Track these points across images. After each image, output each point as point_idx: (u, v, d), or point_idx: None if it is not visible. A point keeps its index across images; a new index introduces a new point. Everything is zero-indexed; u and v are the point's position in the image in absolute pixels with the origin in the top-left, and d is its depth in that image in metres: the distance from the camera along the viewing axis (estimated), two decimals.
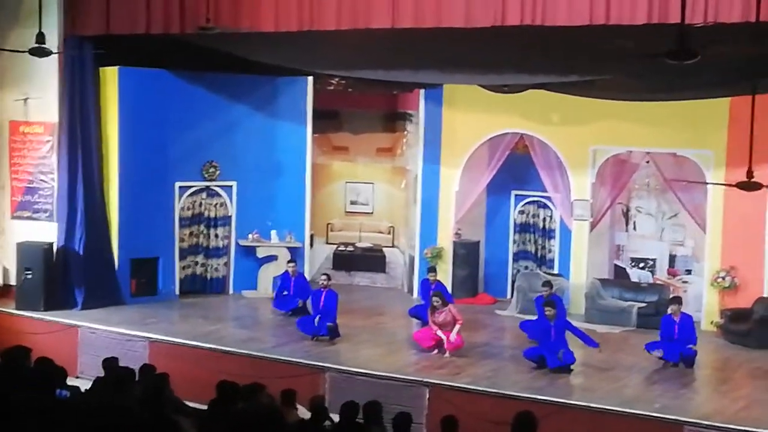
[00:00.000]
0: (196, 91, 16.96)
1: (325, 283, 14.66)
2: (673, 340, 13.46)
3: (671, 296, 14.87)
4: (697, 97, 14.56)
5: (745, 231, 15.39)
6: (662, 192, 17.35)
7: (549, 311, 13.25)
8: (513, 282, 17.81)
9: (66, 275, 15.93)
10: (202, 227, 17.45)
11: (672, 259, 17.41)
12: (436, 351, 13.73)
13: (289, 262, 16.54)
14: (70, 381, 9.68)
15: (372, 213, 19.55)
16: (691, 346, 13.42)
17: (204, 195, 17.34)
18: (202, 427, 8.00)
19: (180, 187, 17.03)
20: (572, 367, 13.05)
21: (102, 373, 10.14)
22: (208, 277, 17.62)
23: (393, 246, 19.36)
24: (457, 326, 13.71)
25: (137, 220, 16.44)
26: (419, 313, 15.13)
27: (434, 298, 13.91)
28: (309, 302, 15.37)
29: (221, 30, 13.09)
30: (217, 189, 17.43)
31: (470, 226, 18.14)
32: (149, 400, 8.46)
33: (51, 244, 15.89)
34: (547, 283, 14.98)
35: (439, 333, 13.68)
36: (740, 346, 14.75)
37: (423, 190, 17.91)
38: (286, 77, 17.44)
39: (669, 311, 13.81)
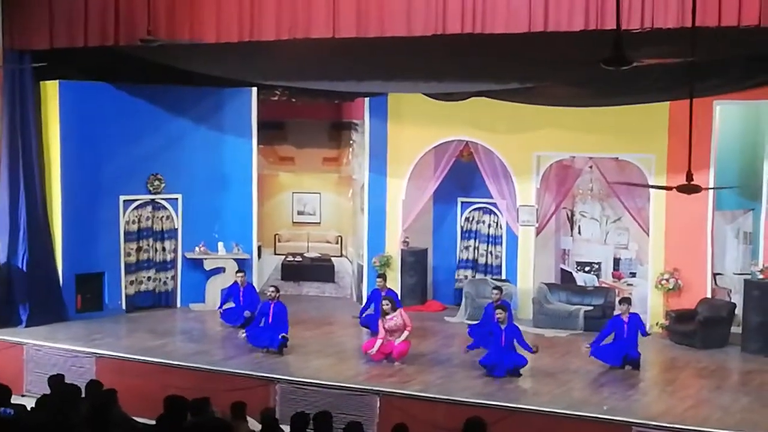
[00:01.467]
0: (139, 104, 16.83)
1: (273, 295, 14.58)
2: (623, 339, 13.60)
3: (621, 297, 15.01)
4: (636, 102, 14.77)
5: (687, 233, 15.61)
6: (606, 196, 17.56)
7: (500, 314, 13.32)
8: (459, 290, 17.89)
9: (9, 292, 15.68)
10: (150, 241, 17.28)
11: (616, 262, 17.61)
12: (384, 360, 13.73)
13: (237, 272, 16.48)
14: (17, 399, 9.55)
15: (319, 223, 19.51)
16: (640, 337, 13.63)
17: (149, 208, 17.18)
18: None
19: (124, 200, 16.88)
20: (521, 371, 13.14)
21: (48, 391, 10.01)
22: (157, 291, 17.46)
23: (341, 255, 19.34)
24: (406, 332, 13.73)
25: (82, 235, 16.27)
26: (369, 323, 15.13)
27: (384, 302, 13.93)
28: (256, 313, 15.25)
29: (162, 42, 12.99)
30: (163, 202, 17.30)
31: (418, 234, 18.20)
32: (96, 417, 8.36)
33: None
34: (497, 288, 15.06)
35: (378, 345, 13.67)
36: (686, 346, 14.95)
37: (370, 200, 17.93)
38: (230, 89, 17.39)
39: (618, 311, 13.97)
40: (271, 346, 14.19)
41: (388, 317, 13.74)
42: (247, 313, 15.67)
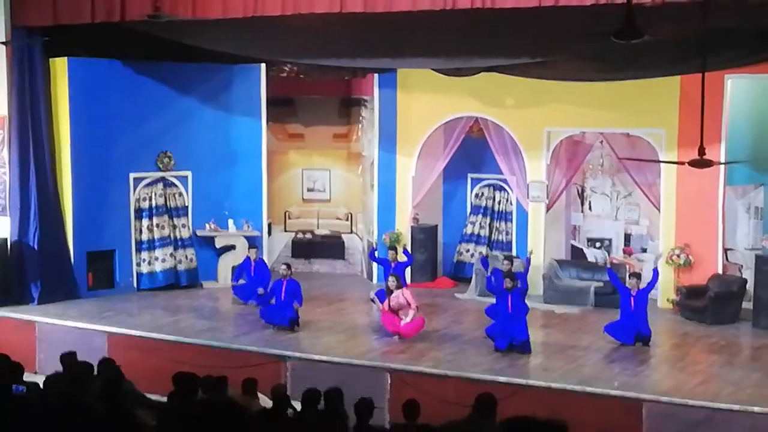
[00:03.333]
0: (148, 81, 16.79)
1: (285, 272, 14.58)
2: (632, 315, 13.57)
3: (630, 272, 14.97)
4: (647, 76, 14.68)
5: (698, 208, 15.56)
6: (616, 172, 17.50)
7: (508, 283, 13.26)
8: (460, 263, 17.96)
9: (21, 270, 15.72)
10: (166, 218, 17.22)
11: (627, 238, 17.57)
12: (397, 337, 13.74)
13: (250, 247, 16.49)
14: (29, 377, 9.57)
15: (329, 200, 19.49)
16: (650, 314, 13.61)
17: (160, 185, 17.16)
18: (162, 420, 7.94)
19: (134, 178, 16.87)
20: (529, 344, 13.12)
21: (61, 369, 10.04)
22: (178, 269, 17.28)
23: (351, 232, 19.33)
24: (411, 312, 13.69)
25: (92, 213, 16.30)
26: (381, 297, 15.12)
27: (390, 279, 13.93)
28: (268, 290, 15.26)
29: (169, 18, 12.92)
30: (173, 179, 17.29)
31: (428, 211, 18.19)
32: (108, 394, 8.38)
33: (4, 239, 15.68)
34: (509, 258, 14.95)
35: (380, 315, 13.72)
36: (696, 322, 14.92)
37: (380, 176, 17.92)
38: (239, 65, 17.31)
39: (627, 286, 13.95)
40: (282, 323, 14.21)
41: (392, 295, 13.72)
42: (260, 290, 15.66)
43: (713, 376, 12.36)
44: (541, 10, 12.29)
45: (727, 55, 13.24)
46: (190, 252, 17.36)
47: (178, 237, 17.33)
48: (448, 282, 17.89)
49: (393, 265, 15.14)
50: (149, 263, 17.04)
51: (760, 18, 12.26)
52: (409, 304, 13.72)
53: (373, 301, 14.80)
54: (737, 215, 16.36)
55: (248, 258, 16.31)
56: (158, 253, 17.09)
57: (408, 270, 16.55)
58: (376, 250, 16.82)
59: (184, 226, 17.40)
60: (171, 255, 17.18)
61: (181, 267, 17.30)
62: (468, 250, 18.32)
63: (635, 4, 10.51)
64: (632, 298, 13.64)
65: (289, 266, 14.89)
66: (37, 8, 15.19)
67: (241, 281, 16.32)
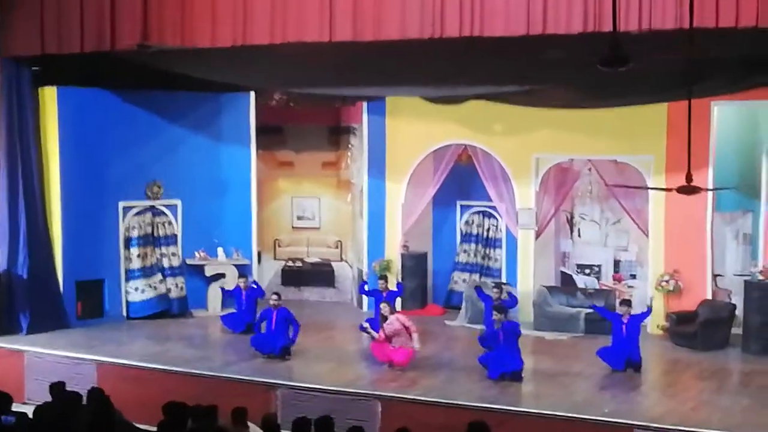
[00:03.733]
0: (137, 110, 16.84)
1: (276, 303, 14.56)
2: (623, 341, 13.58)
3: (621, 299, 14.96)
4: (634, 103, 14.78)
5: (687, 234, 15.60)
6: (605, 198, 17.57)
7: (497, 316, 13.29)
8: (451, 291, 18.00)
9: (10, 300, 15.64)
10: (151, 248, 17.23)
11: (617, 264, 17.62)
12: (388, 365, 13.72)
13: (239, 277, 16.46)
14: (18, 407, 9.52)
15: (319, 227, 19.50)
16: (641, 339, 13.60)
17: (149, 214, 17.17)
18: None
19: (124, 207, 16.88)
20: (522, 374, 13.12)
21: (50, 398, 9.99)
22: (170, 296, 17.27)
23: (341, 260, 19.32)
24: (415, 335, 13.65)
25: (81, 242, 16.27)
26: (372, 326, 15.12)
27: (383, 306, 13.95)
28: (257, 319, 15.23)
29: (158, 47, 12.97)
30: (162, 208, 17.29)
31: (417, 238, 18.18)
32: (97, 424, 8.35)
33: None
34: (497, 286, 14.97)
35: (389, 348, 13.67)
36: (686, 348, 14.92)
37: (369, 204, 17.93)
38: (228, 93, 17.39)
39: (619, 311, 13.97)
40: (273, 352, 14.18)
41: (386, 322, 13.73)
42: (247, 324, 15.66)
43: (703, 403, 12.34)
44: (528, 38, 12.37)
45: (712, 82, 13.35)
46: (180, 280, 17.34)
47: (167, 265, 17.31)
48: (438, 309, 17.89)
49: (384, 294, 15.14)
50: (142, 291, 17.00)
51: (745, 46, 12.38)
52: (407, 328, 13.69)
53: (364, 330, 14.77)
54: (726, 241, 16.42)
55: (238, 287, 16.30)
56: (147, 281, 17.05)
57: (398, 300, 16.50)
58: (366, 283, 16.76)
59: (173, 254, 17.38)
60: (160, 282, 17.16)
61: (171, 295, 17.28)
62: (464, 280, 18.25)
63: (621, 33, 10.63)
64: (624, 325, 13.66)
65: (279, 296, 14.84)
66: (25, 38, 15.16)
67: (229, 310, 16.27)
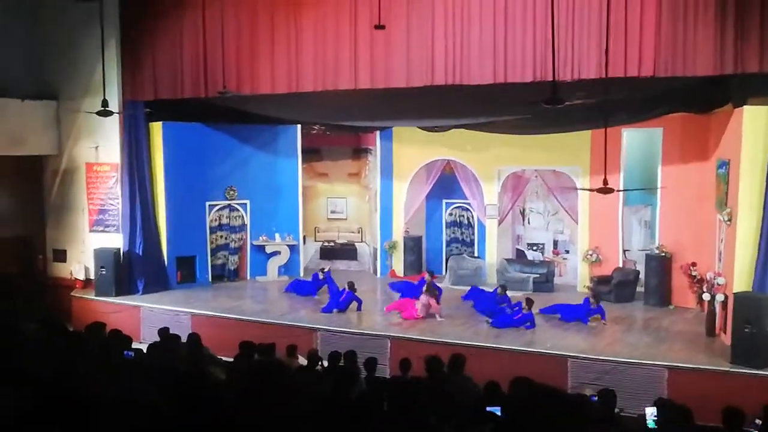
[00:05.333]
0: (219, 137, 16.83)
1: (323, 271, 15.17)
2: (582, 315, 13.33)
3: (594, 294, 14.10)
4: (567, 130, 14.68)
5: (604, 222, 15.55)
6: (547, 197, 17.49)
7: (526, 306, 13.04)
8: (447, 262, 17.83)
9: (130, 270, 15.69)
10: (226, 233, 17.25)
11: (555, 243, 17.56)
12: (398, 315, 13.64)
13: (321, 268, 15.97)
14: (137, 345, 9.56)
15: (346, 219, 19.46)
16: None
17: (227, 210, 17.19)
18: (229, 374, 7.94)
19: (209, 205, 16.86)
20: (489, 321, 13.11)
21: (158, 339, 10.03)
22: (230, 268, 17.36)
23: (362, 241, 19.31)
24: (437, 313, 13.45)
25: (180, 229, 16.26)
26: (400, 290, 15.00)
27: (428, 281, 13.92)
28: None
29: (234, 94, 12.99)
30: (236, 205, 17.28)
31: (415, 225, 18.16)
32: (192, 356, 8.37)
33: (119, 249, 15.67)
34: (503, 287, 14.34)
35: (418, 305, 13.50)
36: (605, 301, 14.84)
37: (381, 202, 17.88)
38: (282, 125, 17.37)
39: (589, 297, 13.59)
40: (340, 308, 14.04)
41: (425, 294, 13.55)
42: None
43: (617, 340, 12.35)
44: (494, 85, 12.35)
45: (622, 115, 13.26)
46: (236, 258, 17.27)
47: (233, 246, 17.30)
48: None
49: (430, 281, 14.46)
50: (217, 260, 17.03)
51: (646, 90, 12.31)
52: (432, 306, 13.47)
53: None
54: (632, 226, 16.34)
55: (316, 273, 15.69)
56: (220, 254, 17.11)
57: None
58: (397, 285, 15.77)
59: (240, 239, 17.34)
60: (225, 257, 17.19)
61: (230, 266, 17.30)
62: (457, 247, 18.19)
63: (558, 81, 10.58)
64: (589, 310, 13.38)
65: (322, 270, 15.23)
66: (142, 86, 15.23)
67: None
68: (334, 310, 14.00)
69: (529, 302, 13.18)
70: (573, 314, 13.38)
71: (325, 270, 15.56)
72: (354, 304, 14.18)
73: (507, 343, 11.96)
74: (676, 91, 12.37)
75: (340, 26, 13.16)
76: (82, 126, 15.97)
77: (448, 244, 18.48)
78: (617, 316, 13.89)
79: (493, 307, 13.61)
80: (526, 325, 12.84)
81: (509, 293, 14.24)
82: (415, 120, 15.12)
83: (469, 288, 15.28)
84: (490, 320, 13.09)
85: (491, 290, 14.75)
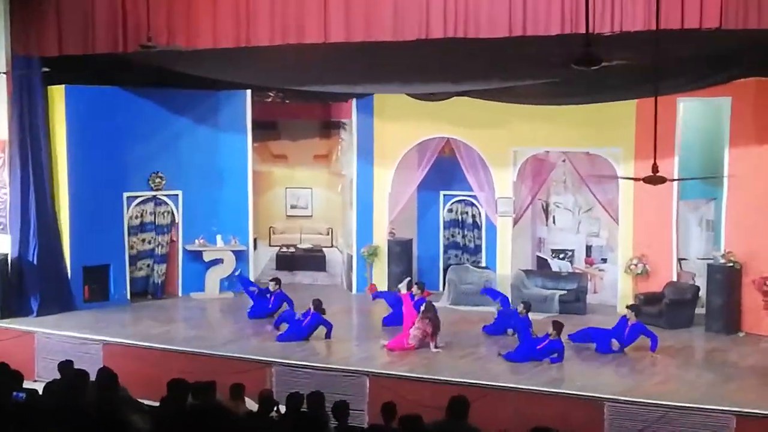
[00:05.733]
0: (141, 106, 16.72)
1: (275, 287, 15.31)
2: (623, 340, 13.51)
3: (630, 304, 14.48)
4: (605, 100, 14.74)
5: (654, 221, 15.63)
6: (578, 188, 17.56)
7: (553, 333, 13.15)
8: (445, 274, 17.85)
9: (20, 284, 15.57)
10: (152, 234, 17.22)
11: (588, 249, 17.63)
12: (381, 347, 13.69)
13: (270, 280, 16.12)
14: (29, 384, 9.47)
15: (311, 216, 19.46)
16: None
17: (151, 204, 17.11)
18: (154, 422, 7.89)
19: (128, 197, 16.79)
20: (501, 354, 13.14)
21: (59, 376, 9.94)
22: (156, 281, 17.36)
23: (332, 246, 19.31)
24: (432, 343, 13.55)
25: (88, 229, 16.17)
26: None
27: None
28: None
29: (162, 48, 12.91)
30: (164, 198, 17.22)
31: (403, 225, 18.16)
32: (104, 400, 8.32)
33: (5, 255, 15.54)
34: (525, 303, 14.43)
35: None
36: (653, 326, 14.94)
37: (358, 194, 17.89)
38: (227, 91, 17.30)
39: (626, 315, 13.76)
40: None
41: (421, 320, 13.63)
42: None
43: (671, 377, 12.42)
44: (510, 39, 12.36)
45: (677, 80, 13.34)
46: (162, 268, 17.30)
47: (159, 252, 17.30)
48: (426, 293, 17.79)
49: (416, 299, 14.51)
50: (134, 273, 17.05)
51: (709, 47, 12.38)
52: (429, 335, 13.56)
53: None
54: (690, 228, 16.45)
55: (267, 288, 15.86)
56: (141, 263, 17.13)
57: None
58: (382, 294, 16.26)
59: (166, 243, 17.32)
60: (148, 267, 17.24)
61: (161, 279, 17.33)
62: (456, 255, 18.37)
63: (594, 34, 10.62)
64: (627, 329, 13.56)
65: (278, 280, 15.48)
66: (40, 40, 15.08)
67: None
68: (295, 339, 14.02)
69: (558, 326, 13.22)
70: (610, 341, 13.45)
71: (271, 285, 15.59)
72: (321, 330, 14.15)
73: (525, 381, 11.99)
74: (750, 48, 12.45)
75: None
76: None
77: (447, 250, 18.51)
78: (669, 346, 13.94)
79: (519, 327, 13.69)
80: (553, 357, 12.89)
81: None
82: (403, 85, 15.12)
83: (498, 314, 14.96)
84: (502, 352, 13.12)
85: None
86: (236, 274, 17.06)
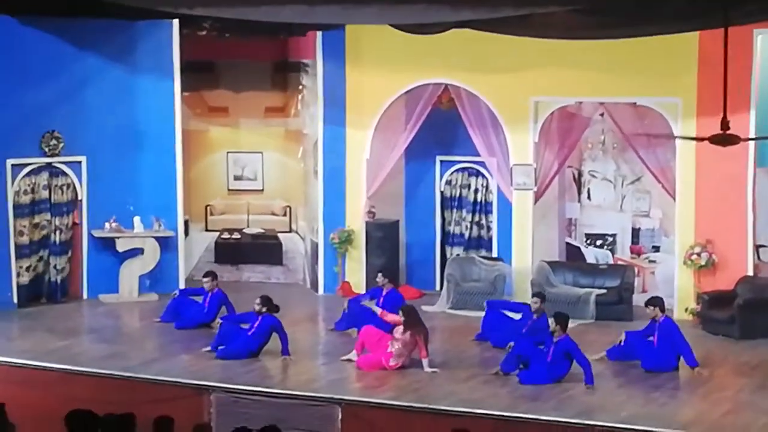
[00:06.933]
0: (31, 41, 16.68)
1: (210, 285, 15.24)
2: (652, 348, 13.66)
3: (647, 300, 14.64)
4: (657, 32, 14.71)
5: (723, 196, 15.73)
6: (621, 151, 17.61)
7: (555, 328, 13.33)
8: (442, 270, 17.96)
9: None
10: (48, 216, 17.21)
11: (635, 233, 17.70)
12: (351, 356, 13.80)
13: (205, 276, 16.18)
14: None
15: (262, 190, 19.50)
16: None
17: (46, 175, 17.08)
18: None
19: (13, 165, 16.80)
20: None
21: None
22: (56, 279, 17.38)
23: (291, 231, 19.35)
24: (425, 360, 13.58)
25: None
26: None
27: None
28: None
29: None
30: (62, 167, 17.23)
31: (386, 203, 18.23)
32: None
33: None
34: (539, 295, 14.73)
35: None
36: (722, 336, 15.06)
37: (325, 160, 17.97)
38: (146, 22, 17.28)
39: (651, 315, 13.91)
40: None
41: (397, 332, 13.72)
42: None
43: (743, 405, 12.46)
44: None
45: (755, 5, 13.36)
46: (63, 260, 17.36)
47: (63, 240, 17.31)
48: (414, 291, 17.90)
49: (385, 291, 15.07)
50: (28, 271, 17.05)
51: None
52: (419, 347, 13.63)
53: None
54: None
55: (203, 288, 16.03)
56: (36, 258, 17.15)
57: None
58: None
59: (67, 226, 17.35)
60: (48, 262, 17.25)
61: (61, 276, 17.37)
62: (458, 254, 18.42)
63: None
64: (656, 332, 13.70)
65: (214, 276, 15.33)
66: None
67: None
68: (241, 355, 14.07)
69: (561, 320, 13.34)
70: (666, 355, 13.55)
71: (205, 284, 15.67)
72: (274, 342, 14.25)
73: (551, 411, 12.03)
74: None
75: None
76: None
77: (447, 236, 18.54)
78: (744, 363, 14.03)
79: (523, 342, 13.76)
80: (587, 376, 12.98)
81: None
82: (385, 10, 15.07)
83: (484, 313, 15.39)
84: (518, 371, 13.21)
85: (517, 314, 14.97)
86: (174, 295, 16.57)
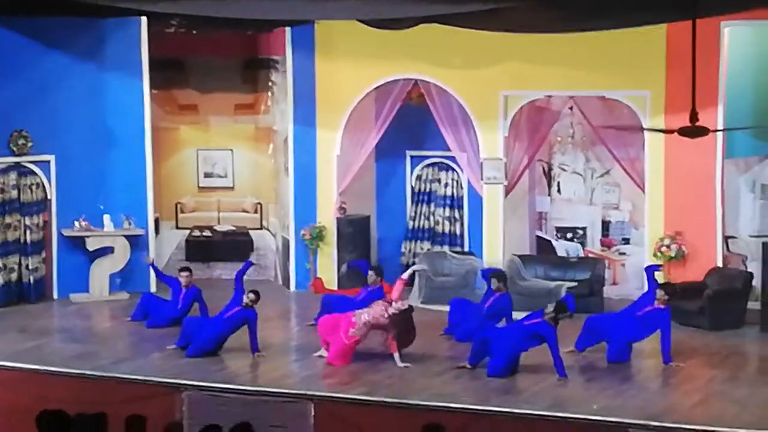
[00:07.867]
0: (2, 38, 16.60)
1: (186, 280, 15.41)
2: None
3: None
4: (625, 25, 14.77)
5: (692, 188, 15.81)
6: (590, 145, 17.65)
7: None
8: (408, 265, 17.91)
9: None
10: (17, 216, 17.11)
11: (605, 226, 17.74)
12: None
13: (182, 270, 16.13)
14: None
15: (233, 187, 19.47)
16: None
17: (13, 174, 16.98)
18: None
19: None
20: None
21: None
22: (29, 280, 17.26)
23: (262, 228, 19.33)
24: (396, 355, 13.58)
25: None
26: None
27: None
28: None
29: None
30: (30, 166, 17.15)
31: (357, 198, 18.24)
32: None
33: None
34: (498, 277, 14.77)
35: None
36: (692, 327, 15.11)
37: (295, 156, 17.95)
38: (114, 19, 17.22)
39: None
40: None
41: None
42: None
43: (713, 395, 12.50)
44: None
45: None
46: (37, 259, 17.26)
47: (33, 240, 17.20)
48: (385, 287, 17.85)
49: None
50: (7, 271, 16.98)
51: None
52: (388, 336, 13.66)
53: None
54: (739, 195, 16.59)
55: (177, 281, 15.94)
56: (9, 259, 17.02)
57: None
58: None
59: (37, 226, 17.24)
60: (19, 263, 17.15)
61: (32, 277, 17.23)
62: (410, 250, 18.41)
63: None
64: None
65: (190, 271, 15.71)
66: None
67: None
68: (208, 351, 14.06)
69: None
70: (633, 336, 13.64)
71: (182, 279, 15.66)
72: (245, 339, 14.17)
73: (523, 403, 12.06)
74: None
75: None
76: None
77: (417, 231, 18.54)
78: (714, 353, 14.10)
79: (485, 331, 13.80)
80: (557, 367, 13.00)
81: (521, 315, 14.36)
82: (353, 4, 15.06)
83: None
84: (486, 362, 13.24)
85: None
86: (148, 262, 16.93)
